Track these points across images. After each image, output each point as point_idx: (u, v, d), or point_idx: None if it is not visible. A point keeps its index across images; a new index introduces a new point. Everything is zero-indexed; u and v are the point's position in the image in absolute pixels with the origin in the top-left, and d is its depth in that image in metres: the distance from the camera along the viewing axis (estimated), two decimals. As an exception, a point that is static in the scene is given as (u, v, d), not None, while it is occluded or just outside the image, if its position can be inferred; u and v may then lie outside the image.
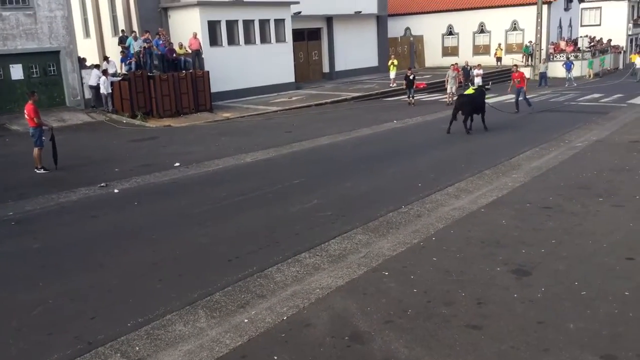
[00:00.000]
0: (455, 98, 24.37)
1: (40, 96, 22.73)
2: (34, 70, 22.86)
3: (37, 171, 13.53)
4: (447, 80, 25.93)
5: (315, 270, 7.17)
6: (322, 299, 6.34)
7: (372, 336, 5.46)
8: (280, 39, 30.01)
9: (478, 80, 28.36)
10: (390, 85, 31.13)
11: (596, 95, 27.26)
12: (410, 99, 25.29)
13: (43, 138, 13.74)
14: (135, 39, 23.82)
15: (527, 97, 22.68)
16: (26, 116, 13.90)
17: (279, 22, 29.86)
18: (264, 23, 29.13)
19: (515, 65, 26.03)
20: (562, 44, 42.05)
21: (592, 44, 45.93)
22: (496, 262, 7.10)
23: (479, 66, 30.53)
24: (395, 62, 32.17)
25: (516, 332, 5.44)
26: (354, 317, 5.86)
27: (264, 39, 29.29)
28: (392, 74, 31.52)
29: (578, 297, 6.10)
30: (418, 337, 5.40)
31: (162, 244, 8.41)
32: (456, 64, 30.59)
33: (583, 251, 7.40)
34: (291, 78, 31.02)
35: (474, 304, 6.05)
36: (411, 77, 25.38)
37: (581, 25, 50.71)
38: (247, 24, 28.37)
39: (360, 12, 37.00)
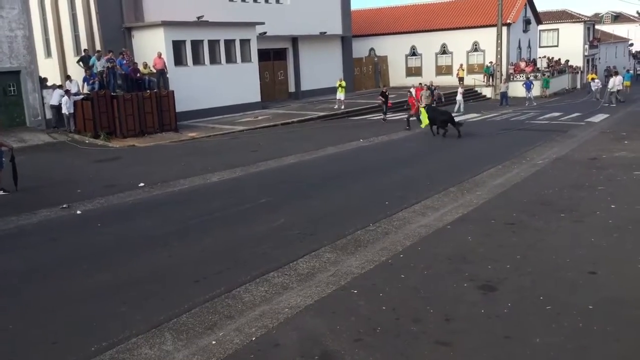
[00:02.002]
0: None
1: (0, 116, 22.32)
2: (-6, 90, 22.33)
3: None
4: (421, 100, 26.85)
5: (284, 290, 7.12)
6: (291, 318, 6.28)
7: (342, 355, 5.42)
8: (246, 58, 30.07)
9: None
10: (336, 107, 30.13)
11: (555, 114, 28.00)
12: (384, 115, 26.33)
13: (2, 159, 13.37)
14: (99, 58, 23.54)
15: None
16: None
17: (245, 42, 29.94)
18: (229, 43, 29.16)
19: (410, 91, 26.70)
20: (522, 65, 43.24)
21: (551, 64, 47.38)
22: (463, 278, 7.16)
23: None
24: (344, 83, 31.22)
25: (484, 347, 5.48)
26: (324, 336, 5.82)
27: (230, 59, 29.30)
28: (341, 95, 30.46)
29: (543, 312, 6.19)
30: (388, 355, 5.39)
31: (126, 266, 8.23)
32: (420, 84, 31.27)
33: (547, 266, 7.53)
34: (257, 97, 31.04)
35: (442, 320, 6.08)
36: (387, 94, 26.84)
37: (540, 46, 52.25)
38: (213, 44, 28.36)
39: (325, 32, 37.42)
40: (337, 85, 31.02)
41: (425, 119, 21.20)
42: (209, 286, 7.28)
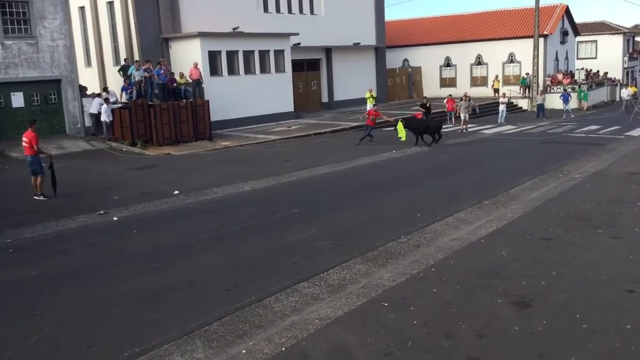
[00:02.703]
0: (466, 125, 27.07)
1: (40, 124, 22.85)
2: (35, 98, 22.99)
3: (37, 198, 13.50)
4: (460, 110, 27.97)
5: (314, 301, 7.12)
6: (321, 329, 6.28)
7: (372, 368, 5.39)
8: (279, 69, 30.33)
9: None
10: (363, 116, 30.07)
11: (594, 127, 27.46)
12: None
13: (42, 166, 13.72)
14: (137, 68, 24.06)
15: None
16: (24, 144, 13.80)
17: (279, 53, 30.21)
18: (263, 54, 29.47)
19: (375, 104, 26.42)
20: (559, 76, 42.55)
21: (589, 76, 46.52)
22: (497, 294, 7.06)
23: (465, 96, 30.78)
24: (374, 94, 31.33)
25: (518, 365, 5.38)
26: (353, 349, 5.80)
27: (264, 69, 29.61)
28: (370, 106, 29.95)
29: (579, 330, 6.05)
30: (418, 370, 5.34)
31: (160, 273, 8.36)
32: (450, 95, 31.24)
33: (583, 283, 7.37)
34: (290, 107, 31.26)
35: (474, 336, 5.99)
36: (428, 105, 27.49)
37: (577, 58, 51.37)
38: (247, 54, 28.70)
39: (359, 43, 37.49)
40: (367, 96, 31.03)
41: (402, 131, 21.91)
42: (240, 295, 7.33)
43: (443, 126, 24.22)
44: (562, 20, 44.60)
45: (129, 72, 24.28)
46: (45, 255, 9.47)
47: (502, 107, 31.39)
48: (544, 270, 7.85)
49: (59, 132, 23.56)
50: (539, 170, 15.57)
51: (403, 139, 21.94)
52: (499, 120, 30.56)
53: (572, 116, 34.18)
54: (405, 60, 46.35)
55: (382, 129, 28.41)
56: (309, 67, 35.78)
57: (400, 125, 22.13)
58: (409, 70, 45.19)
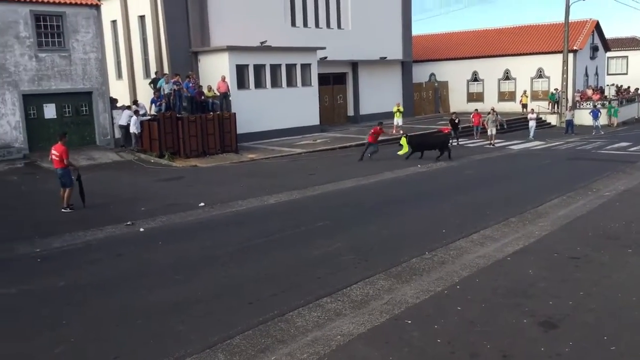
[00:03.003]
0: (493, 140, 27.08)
1: (71, 135, 23.33)
2: (67, 109, 23.50)
3: (64, 210, 13.66)
4: (487, 124, 28.01)
5: (336, 316, 7.10)
6: (343, 346, 6.25)
7: (395, 387, 5.35)
8: (306, 82, 30.53)
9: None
10: (393, 132, 29.06)
11: (624, 144, 26.96)
12: (456, 141, 26.71)
13: (71, 178, 13.85)
14: (167, 81, 24.45)
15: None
16: (53, 157, 13.79)
17: (306, 67, 30.43)
18: (290, 67, 29.72)
19: (381, 122, 24.57)
20: (589, 92, 41.95)
21: (620, 92, 45.78)
22: (523, 313, 6.95)
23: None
24: (401, 108, 31.34)
25: (543, 387, 5.28)
26: (376, 366, 5.76)
27: (290, 83, 29.84)
28: (398, 120, 30.50)
29: (607, 352, 5.92)
30: (441, 389, 5.27)
31: (185, 285, 8.43)
32: (476, 110, 31.08)
33: (612, 304, 7.22)
34: (316, 121, 31.40)
35: (499, 356, 5.90)
36: (456, 121, 27.43)
37: (608, 74, 50.62)
38: (274, 68, 28.97)
39: (386, 57, 37.54)
40: (395, 110, 31.03)
41: (405, 147, 21.66)
42: (262, 309, 7.35)
43: (451, 141, 24.43)
44: (592, 36, 44.04)
45: (158, 85, 24.68)
46: (74, 265, 9.63)
47: (531, 123, 31.10)
48: (572, 289, 7.71)
49: (89, 144, 24.01)
50: (567, 187, 15.34)
51: (401, 153, 21.75)
52: (530, 136, 30.31)
53: (602, 133, 33.63)
54: (432, 74, 46.23)
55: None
56: (335, 81, 35.93)
57: (404, 141, 21.99)
58: (436, 84, 45.06)
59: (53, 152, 13.88)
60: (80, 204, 13.85)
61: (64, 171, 13.73)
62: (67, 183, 13.80)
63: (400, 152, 21.89)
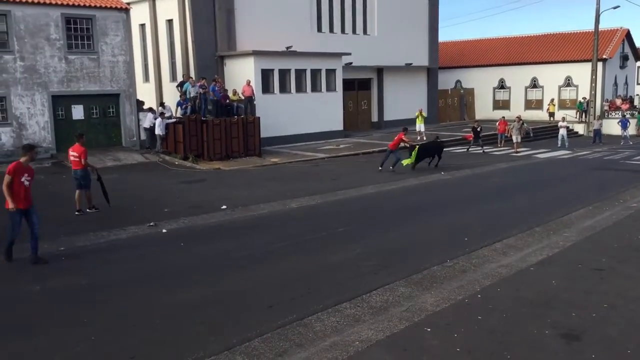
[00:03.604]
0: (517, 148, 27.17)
1: (98, 136, 23.85)
2: (94, 111, 23.90)
3: (77, 214, 13.40)
4: (511, 131, 27.98)
5: (355, 322, 7.06)
6: (361, 352, 6.21)
7: (412, 395, 5.29)
8: (330, 88, 30.56)
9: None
10: (418, 138, 29.11)
11: (653, 155, 26.43)
12: (481, 149, 27.03)
13: (90, 179, 13.68)
14: (193, 84, 24.71)
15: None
16: (72, 157, 13.59)
17: (330, 72, 30.47)
18: (315, 72, 29.79)
19: (405, 128, 22.91)
20: (618, 102, 41.25)
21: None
22: (545, 325, 6.83)
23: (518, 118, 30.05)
24: (424, 114, 31.15)
25: (564, 400, 5.17)
26: (394, 373, 5.70)
27: (315, 88, 29.90)
28: (420, 126, 30.29)
29: (632, 367, 5.78)
30: (460, 399, 5.20)
31: (205, 286, 8.47)
32: (503, 117, 30.75)
33: (637, 317, 7.05)
34: (340, 126, 31.40)
35: (519, 367, 5.81)
36: (478, 129, 27.24)
37: (637, 83, 49.70)
38: (299, 73, 29.07)
39: (411, 64, 37.43)
40: (417, 115, 30.76)
41: (413, 157, 20.65)
42: (281, 312, 7.34)
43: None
44: (622, 44, 43.33)
45: (184, 89, 24.96)
46: (96, 264, 9.75)
47: (562, 132, 30.50)
48: (596, 302, 7.56)
49: (116, 145, 24.39)
50: (594, 197, 15.08)
51: (405, 163, 20.59)
52: (559, 144, 29.92)
53: (631, 143, 33.00)
54: (458, 81, 45.95)
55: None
56: (359, 87, 35.91)
57: (415, 151, 20.80)
58: (462, 91, 44.75)
59: (71, 153, 13.69)
60: (105, 205, 13.88)
61: (84, 172, 13.53)
62: (87, 184, 13.58)
63: (405, 162, 20.65)
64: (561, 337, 6.51)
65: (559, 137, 30.58)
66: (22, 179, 9.52)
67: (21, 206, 9.47)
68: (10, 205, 9.33)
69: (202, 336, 6.67)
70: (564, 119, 31.68)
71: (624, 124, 34.18)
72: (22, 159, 9.69)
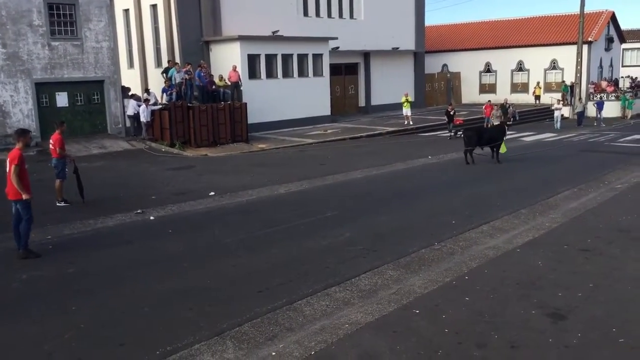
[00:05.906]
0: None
1: (83, 123, 23.61)
2: (79, 98, 23.60)
3: (58, 204, 12.89)
4: (493, 120, 27.62)
5: (344, 305, 7.11)
6: (350, 335, 6.26)
7: (401, 376, 5.35)
8: (317, 73, 30.45)
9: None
10: (405, 123, 29.76)
11: (638, 136, 26.67)
12: (452, 133, 26.13)
13: (66, 170, 13.16)
14: (178, 70, 24.49)
15: None
16: (50, 146, 13.13)
17: (317, 57, 30.34)
18: (302, 57, 29.64)
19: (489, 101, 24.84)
20: (603, 84, 41.52)
21: (634, 84, 45.27)
22: (531, 305, 6.92)
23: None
24: (410, 98, 30.96)
25: (550, 378, 5.27)
26: (383, 355, 5.77)
27: (302, 73, 29.77)
28: (406, 110, 30.13)
29: (616, 344, 5.89)
30: (448, 379, 5.28)
31: (194, 273, 8.48)
32: (489, 101, 30.92)
33: (622, 297, 7.17)
34: (327, 111, 31.34)
35: (507, 347, 5.89)
36: (451, 113, 27.17)
37: (622, 66, 50.04)
38: (286, 58, 28.91)
39: (398, 48, 37.35)
40: (403, 100, 30.54)
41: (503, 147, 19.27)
42: (271, 297, 7.38)
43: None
44: (607, 27, 43.53)
45: (169, 74, 24.73)
46: (84, 252, 9.70)
47: (557, 113, 31.76)
48: (581, 282, 7.67)
49: (101, 132, 24.15)
50: (578, 179, 15.22)
51: (503, 151, 19.24)
52: (555, 126, 31.08)
53: (603, 125, 33.30)
54: (445, 65, 45.97)
55: (420, 134, 28.24)
56: (346, 71, 35.82)
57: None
58: (448, 75, 44.79)
59: (50, 141, 13.19)
60: (78, 198, 13.11)
61: (58, 161, 12.94)
62: (59, 174, 12.96)
63: (503, 149, 19.04)
64: (547, 316, 6.60)
65: (555, 118, 31.69)
66: (26, 166, 9.43)
67: (11, 197, 9.31)
68: (25, 195, 9.16)
69: (192, 322, 6.69)
70: (559, 102, 32.34)
71: (600, 106, 34.60)
72: (18, 146, 9.48)
